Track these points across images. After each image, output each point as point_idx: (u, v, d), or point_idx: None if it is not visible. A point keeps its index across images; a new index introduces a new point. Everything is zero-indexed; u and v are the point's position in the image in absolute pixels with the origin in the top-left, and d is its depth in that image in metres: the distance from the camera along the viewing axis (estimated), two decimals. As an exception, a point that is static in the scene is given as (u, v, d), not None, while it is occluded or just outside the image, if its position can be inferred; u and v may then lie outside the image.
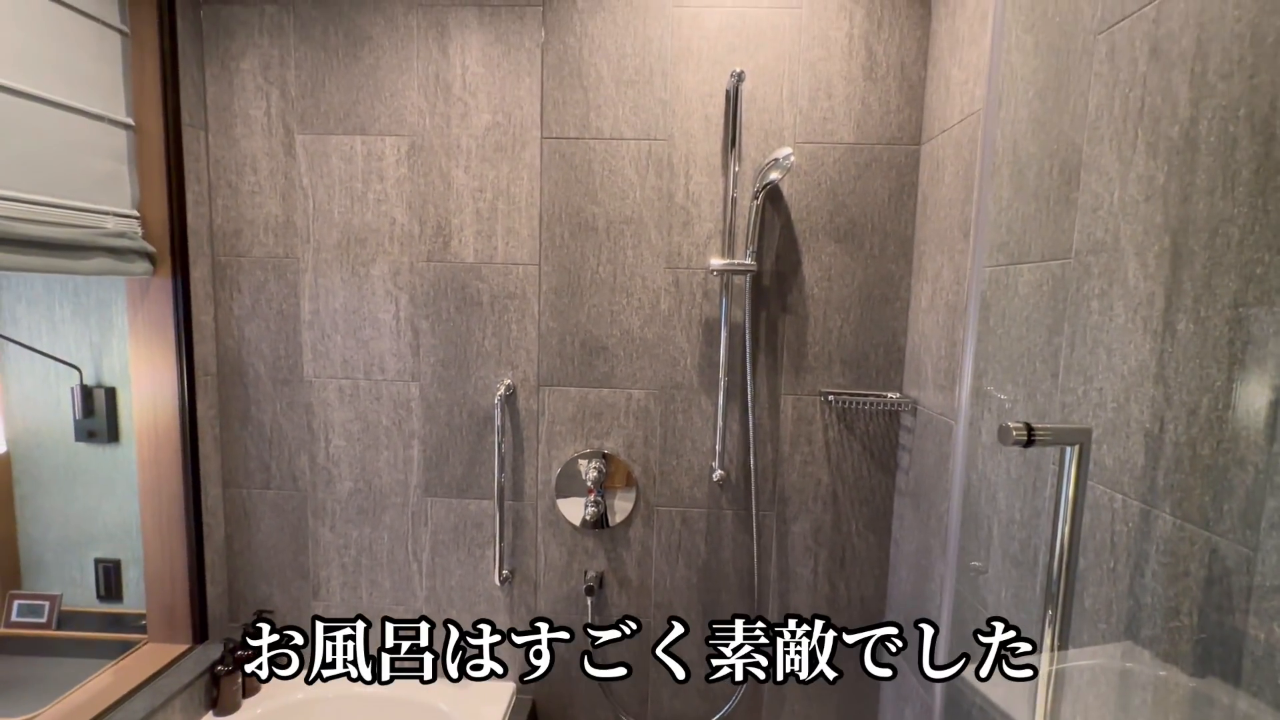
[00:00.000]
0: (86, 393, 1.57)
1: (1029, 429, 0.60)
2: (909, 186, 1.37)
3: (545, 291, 1.44)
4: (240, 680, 1.46)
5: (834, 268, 1.40)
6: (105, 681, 1.34)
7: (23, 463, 1.62)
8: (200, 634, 1.50)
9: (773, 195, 1.39)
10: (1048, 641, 0.67)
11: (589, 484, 1.47)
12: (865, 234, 1.39)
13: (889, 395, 1.38)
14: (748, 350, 1.40)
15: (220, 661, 1.44)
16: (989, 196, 0.92)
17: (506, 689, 1.55)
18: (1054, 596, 0.64)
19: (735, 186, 1.38)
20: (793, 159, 1.27)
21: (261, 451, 1.52)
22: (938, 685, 1.01)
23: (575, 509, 1.49)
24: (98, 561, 1.64)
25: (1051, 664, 0.66)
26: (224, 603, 1.56)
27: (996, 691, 0.91)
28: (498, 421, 1.44)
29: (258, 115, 1.43)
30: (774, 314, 1.42)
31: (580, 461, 1.48)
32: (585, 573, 1.52)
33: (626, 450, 1.48)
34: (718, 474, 1.42)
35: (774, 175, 1.29)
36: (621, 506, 1.48)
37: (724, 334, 1.40)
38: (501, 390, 1.44)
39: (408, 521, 1.53)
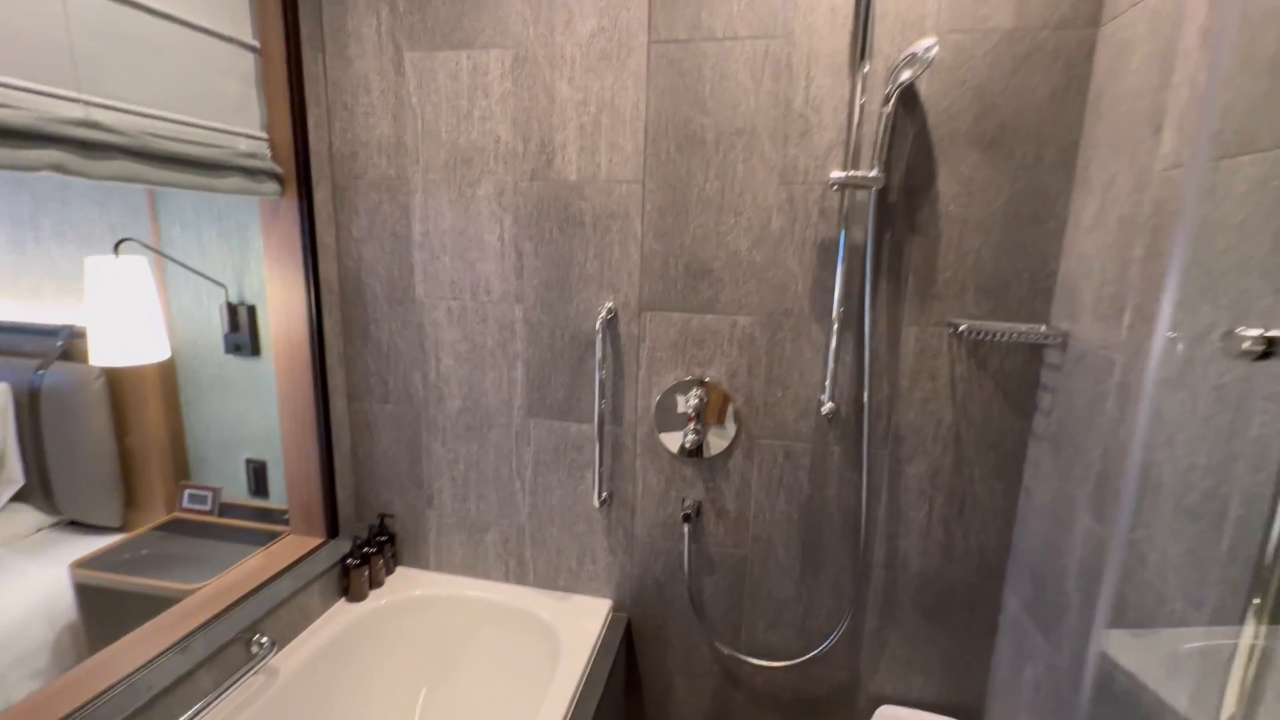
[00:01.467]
0: (231, 310, 1.72)
1: (1269, 339, 0.47)
2: (1078, 80, 1.16)
3: (649, 211, 1.38)
4: (367, 573, 1.60)
5: (975, 181, 1.23)
6: (257, 563, 1.52)
7: (185, 371, 1.82)
8: (332, 530, 1.66)
9: (907, 98, 1.22)
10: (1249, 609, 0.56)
11: (689, 412, 1.43)
12: (1016, 140, 1.20)
13: (1033, 328, 1.21)
14: (868, 275, 1.27)
15: (349, 555, 1.58)
16: (1221, 59, 0.73)
17: (603, 606, 1.60)
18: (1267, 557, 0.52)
19: (863, 89, 1.23)
20: (935, 52, 1.10)
21: (380, 368, 1.61)
22: (1092, 653, 0.91)
23: (674, 437, 1.47)
24: (248, 461, 1.84)
25: (1257, 638, 0.55)
26: (352, 504, 1.70)
27: (1149, 668, 0.80)
28: (598, 346, 1.42)
29: (369, 34, 1.44)
30: (900, 235, 1.28)
31: (680, 389, 1.44)
32: (683, 500, 1.51)
33: (729, 380, 1.42)
34: (827, 407, 1.33)
35: (910, 73, 1.13)
36: (721, 437, 1.44)
37: (841, 257, 1.28)
38: (603, 314, 1.42)
39: (511, 440, 1.57)
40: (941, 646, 1.44)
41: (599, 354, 1.42)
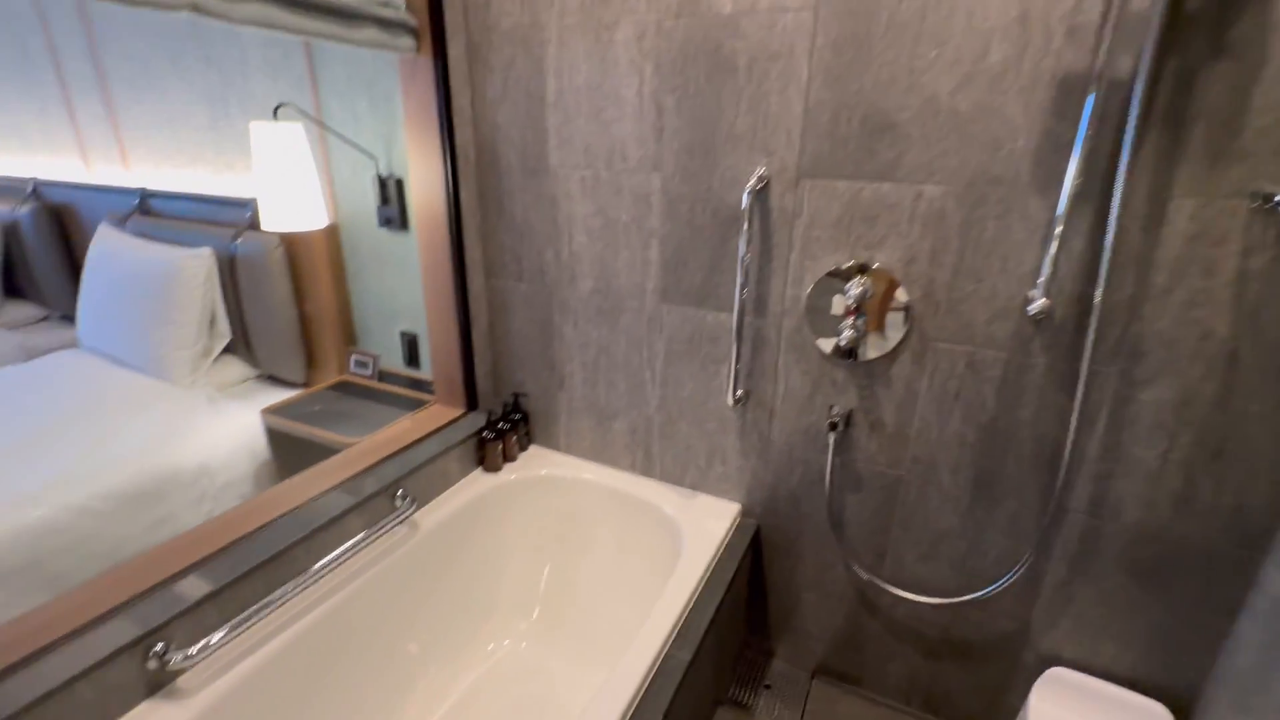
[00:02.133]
0: (381, 183, 1.74)
1: None
2: None
3: (819, 47, 1.10)
4: (501, 447, 1.64)
5: (1352, -36, 0.79)
6: (405, 426, 1.61)
7: (348, 243, 1.92)
8: (472, 403, 1.70)
9: None
10: None
11: (848, 305, 1.20)
12: None
13: None
14: (1130, 124, 0.91)
15: (485, 428, 1.62)
16: None
17: (731, 509, 1.50)
18: None
19: None
20: None
21: (514, 244, 1.55)
22: None
23: (827, 333, 1.25)
24: (402, 334, 1.94)
25: None
26: (490, 381, 1.73)
27: None
28: (744, 222, 1.22)
29: None
30: (1194, 61, 0.89)
31: (840, 277, 1.21)
32: (830, 407, 1.31)
33: (903, 267, 1.16)
34: (1037, 306, 1.03)
35: None
36: (886, 338, 1.20)
37: (1093, 97, 0.93)
38: (752, 182, 1.20)
39: (643, 327, 1.46)
40: (1152, 616, 1.15)
41: (744, 232, 1.22)
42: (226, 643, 1.03)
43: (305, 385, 2.05)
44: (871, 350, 1.22)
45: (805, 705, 1.51)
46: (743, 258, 1.24)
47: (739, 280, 1.26)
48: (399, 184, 1.73)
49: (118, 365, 2.05)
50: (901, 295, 1.17)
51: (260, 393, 2.01)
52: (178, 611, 1.00)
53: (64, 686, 0.87)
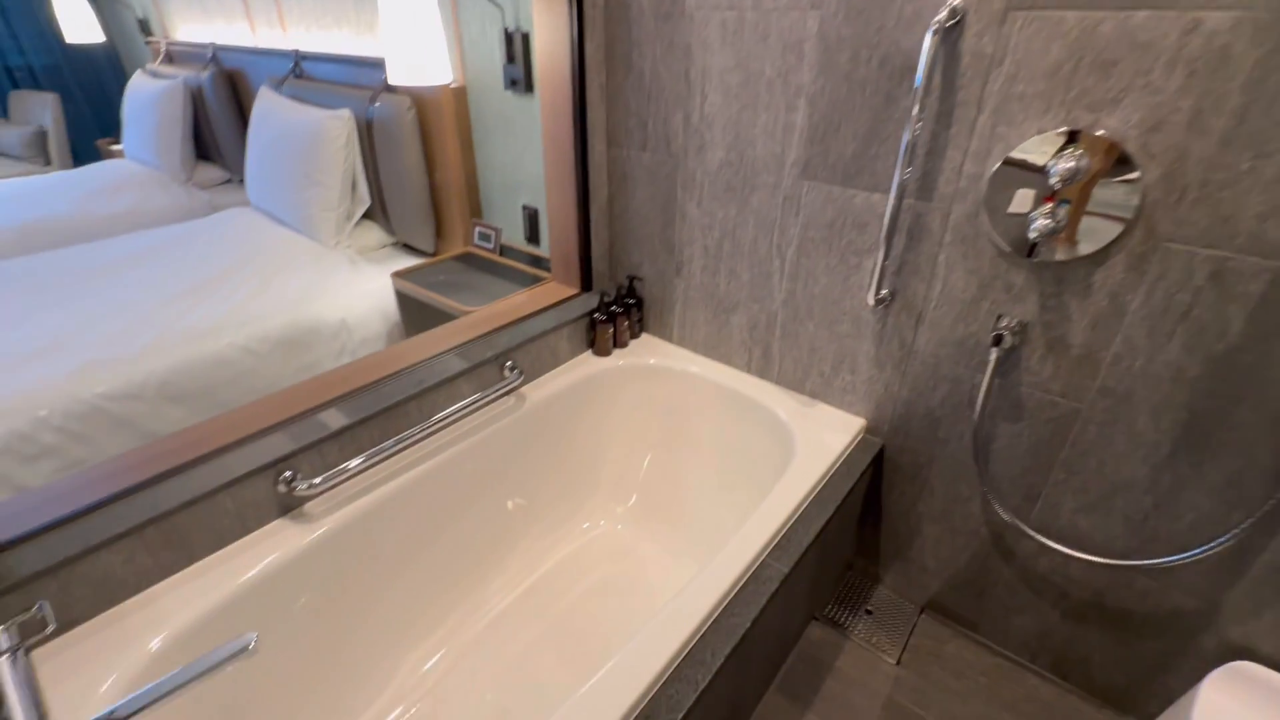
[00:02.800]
0: (508, 38, 1.63)
1: None
2: None
3: None
4: (612, 331, 1.57)
5: None
6: (519, 300, 1.59)
7: (475, 108, 1.86)
8: (586, 284, 1.64)
9: None
10: None
11: (1052, 185, 0.93)
12: None
13: None
14: None
15: (598, 310, 1.56)
16: None
17: (854, 424, 1.34)
18: None
19: None
20: None
21: (640, 107, 1.39)
22: None
23: (1010, 223, 1.00)
24: (524, 207, 1.90)
25: None
26: (605, 262, 1.65)
27: None
28: (921, 73, 0.96)
29: None
30: None
31: (1043, 148, 0.93)
32: (999, 318, 1.08)
33: (1142, 135, 0.86)
34: (1358, 192, 0.72)
35: None
36: (1096, 230, 0.93)
37: None
38: (941, 16, 0.93)
39: (777, 208, 1.27)
40: None
41: (919, 88, 0.97)
42: (346, 479, 1.10)
43: (433, 255, 2.10)
44: (1070, 249, 0.96)
45: (909, 638, 1.40)
46: (912, 123, 1.00)
47: (902, 152, 1.02)
48: (525, 39, 1.61)
49: (277, 223, 2.22)
50: (1129, 176, 0.88)
51: (394, 259, 2.10)
52: (306, 444, 1.07)
53: (210, 494, 0.97)
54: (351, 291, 1.88)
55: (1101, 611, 1.18)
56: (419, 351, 1.33)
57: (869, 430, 1.35)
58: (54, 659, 0.83)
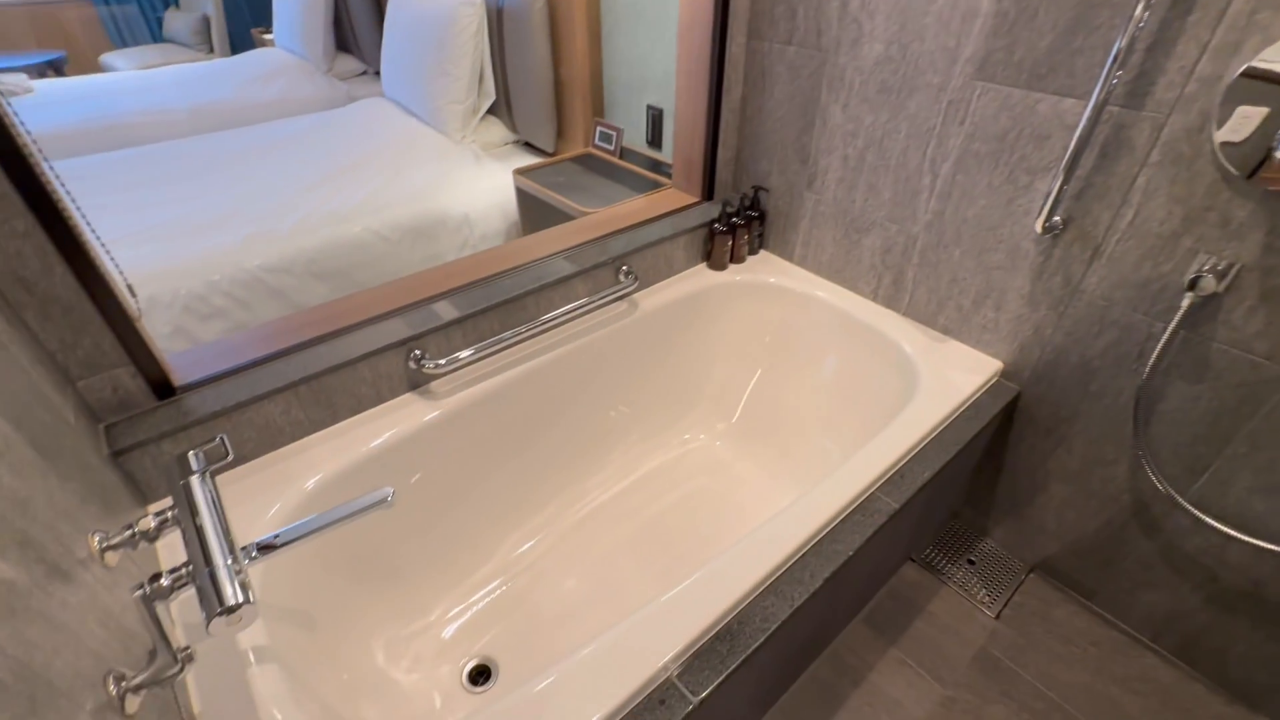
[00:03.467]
0: (650, -89, 1.49)
1: None
2: None
3: None
4: (730, 244, 1.51)
5: None
6: (638, 205, 1.55)
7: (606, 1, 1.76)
8: (708, 193, 1.56)
9: None
10: None
11: (1318, 91, 0.74)
12: None
13: None
14: None
15: (718, 221, 1.49)
16: None
17: (989, 366, 1.22)
18: None
19: None
20: None
21: (791, -9, 1.24)
22: None
23: (1248, 143, 0.81)
24: (648, 108, 1.81)
25: None
26: (730, 169, 1.56)
27: None
28: (1165, -60, 0.77)
29: None
30: None
31: (1320, 43, 0.73)
32: (1201, 259, 0.91)
33: None
34: None
35: None
36: (1372, 155, 0.74)
37: None
38: None
39: (938, 114, 1.12)
40: None
41: (1158, -42, 0.78)
42: (467, 364, 1.15)
43: (553, 154, 2.08)
44: (1326, 176, 0.77)
45: (1012, 595, 1.33)
46: (1137, 10, 0.81)
47: (1117, 46, 0.84)
48: (668, -87, 1.47)
49: (408, 114, 2.28)
50: None
51: (515, 156, 2.10)
52: (432, 326, 1.12)
53: (351, 362, 1.05)
54: (474, 186, 1.91)
55: (1258, 603, 1.05)
56: (537, 249, 1.34)
57: (1005, 374, 1.23)
58: (228, 487, 0.96)
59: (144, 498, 0.93)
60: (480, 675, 1.14)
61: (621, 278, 1.38)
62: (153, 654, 0.57)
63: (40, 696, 0.43)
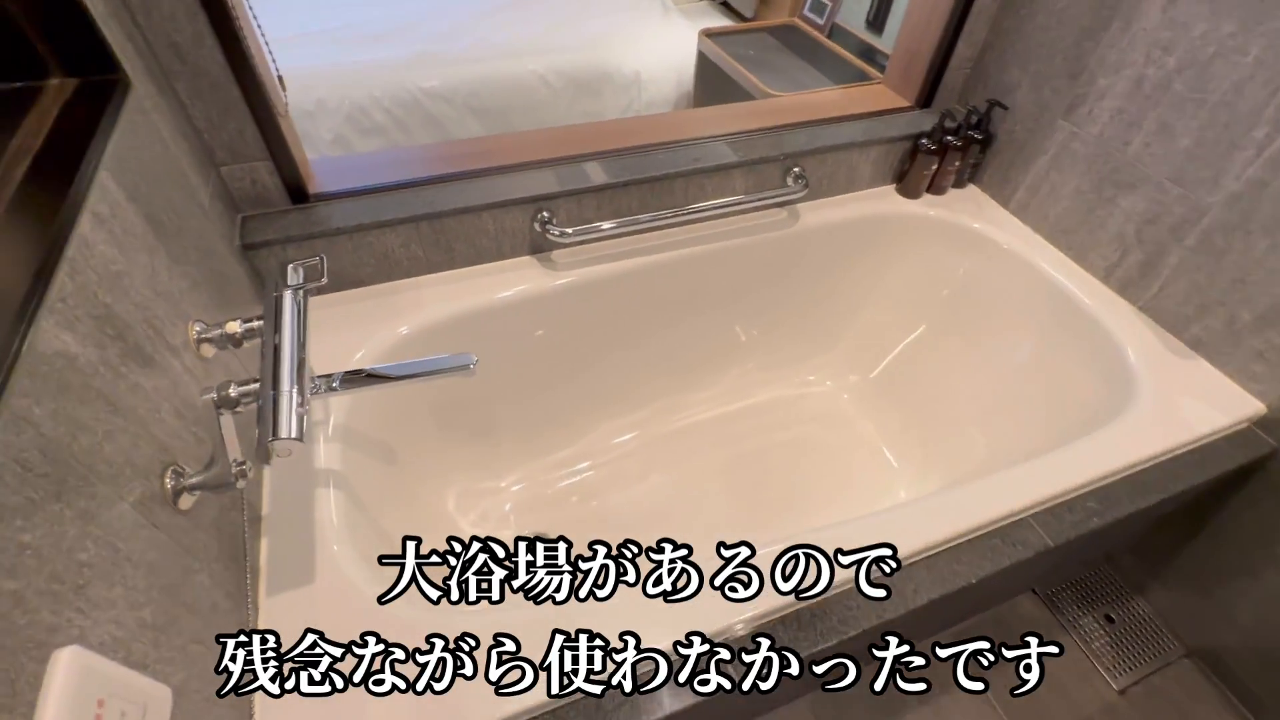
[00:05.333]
0: None
1: None
2: None
3: None
4: (934, 168, 1.22)
5: None
6: (832, 97, 1.29)
7: None
8: (924, 98, 1.26)
9: None
10: None
11: None
12: None
13: None
14: None
15: (926, 136, 1.20)
16: None
17: (1245, 406, 0.92)
18: None
19: None
20: None
21: None
22: None
23: None
24: (881, -23, 1.46)
25: None
26: (963, 74, 1.23)
27: None
28: None
29: None
30: None
31: None
32: None
33: None
34: None
35: None
36: None
37: None
38: None
39: (1328, 35, 0.75)
40: None
41: None
42: (594, 240, 1.05)
43: (751, 20, 1.79)
44: None
45: (1152, 674, 1.09)
46: None
47: None
48: None
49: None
50: None
51: (707, 15, 1.84)
52: (568, 189, 1.01)
53: (476, 209, 0.98)
54: (654, 43, 1.70)
55: None
56: (700, 126, 1.15)
57: (1263, 423, 0.92)
58: (333, 308, 0.96)
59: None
60: (537, 550, 1.14)
61: (790, 180, 1.17)
62: (212, 460, 0.56)
63: (72, 482, 0.41)
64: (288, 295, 0.63)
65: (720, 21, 1.81)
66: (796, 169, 1.16)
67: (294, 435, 0.53)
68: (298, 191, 0.93)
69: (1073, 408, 1.03)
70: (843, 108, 1.24)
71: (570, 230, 1.01)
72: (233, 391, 0.57)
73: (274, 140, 0.86)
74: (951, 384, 1.26)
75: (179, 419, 0.58)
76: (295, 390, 0.56)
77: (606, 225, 1.03)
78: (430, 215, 0.95)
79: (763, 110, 1.22)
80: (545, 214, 1.02)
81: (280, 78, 0.89)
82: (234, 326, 0.63)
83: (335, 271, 0.96)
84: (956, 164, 1.22)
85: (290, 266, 0.67)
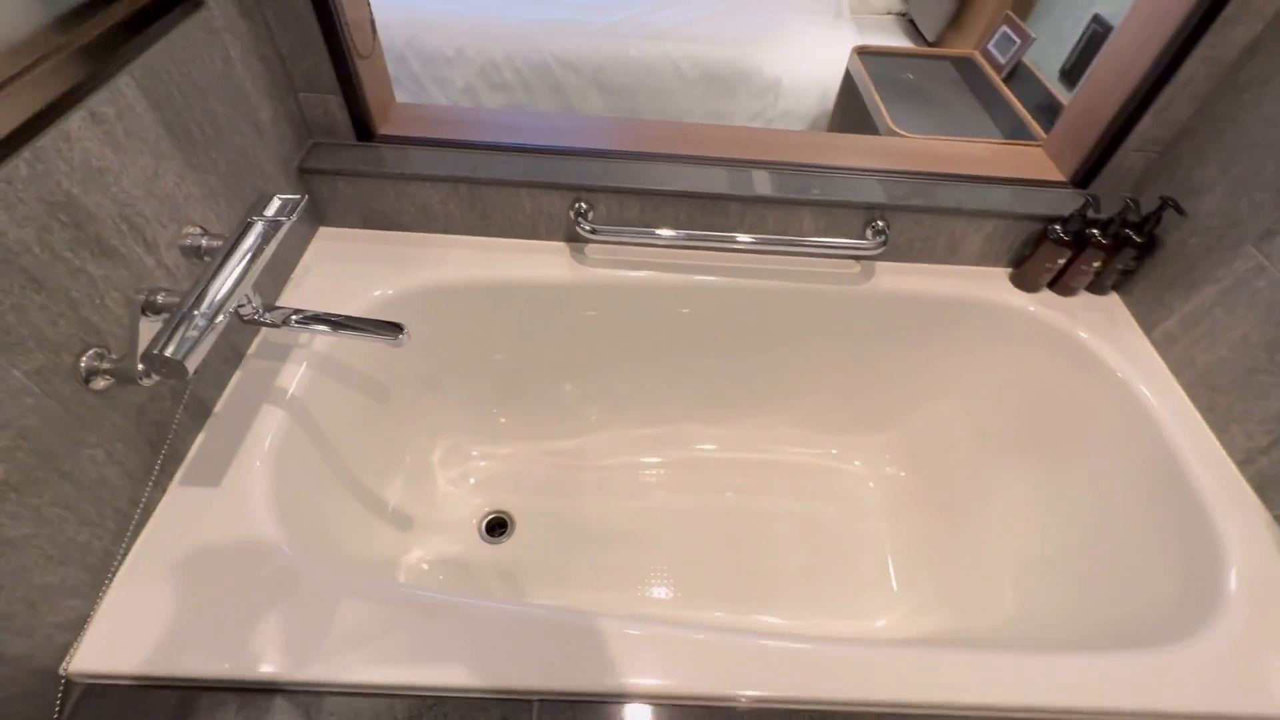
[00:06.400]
0: None
1: None
2: None
3: None
4: (1062, 264, 0.99)
5: None
6: (969, 151, 1.10)
7: None
8: (1081, 178, 1.02)
9: None
10: None
11: None
12: None
13: None
14: None
15: (1064, 221, 0.97)
16: None
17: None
18: None
19: None
20: None
21: None
22: None
23: None
24: (1093, 20, 1.20)
25: None
26: (1140, 159, 0.98)
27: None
28: None
29: None
30: None
31: None
32: None
33: None
34: None
35: None
36: None
37: None
38: None
39: None
40: None
41: None
42: (624, 243, 1.00)
43: (933, 44, 1.57)
44: None
45: None
46: None
47: None
48: None
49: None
50: None
51: (885, 31, 1.65)
52: (610, 185, 0.96)
53: (516, 183, 0.96)
54: (808, 50, 1.56)
55: None
56: (798, 152, 1.04)
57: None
58: (359, 245, 1.01)
59: (315, 222, 1.03)
60: (498, 526, 1.14)
61: (869, 233, 1.01)
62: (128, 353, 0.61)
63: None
64: (257, 225, 0.67)
65: (899, 41, 1.62)
66: (881, 222, 1.00)
67: (176, 356, 0.56)
68: (364, 129, 0.98)
69: (1135, 604, 0.80)
70: (974, 164, 1.05)
71: (602, 228, 0.97)
72: (160, 298, 0.61)
73: (347, 79, 0.92)
74: (1000, 516, 1.04)
75: (125, 308, 0.64)
76: (204, 317, 0.59)
77: (639, 228, 0.97)
78: (471, 179, 0.96)
79: (876, 149, 1.07)
80: (582, 205, 0.98)
81: (373, 22, 0.94)
82: (192, 237, 0.68)
83: (378, 211, 1.01)
84: (1097, 264, 0.98)
85: (277, 198, 0.70)
